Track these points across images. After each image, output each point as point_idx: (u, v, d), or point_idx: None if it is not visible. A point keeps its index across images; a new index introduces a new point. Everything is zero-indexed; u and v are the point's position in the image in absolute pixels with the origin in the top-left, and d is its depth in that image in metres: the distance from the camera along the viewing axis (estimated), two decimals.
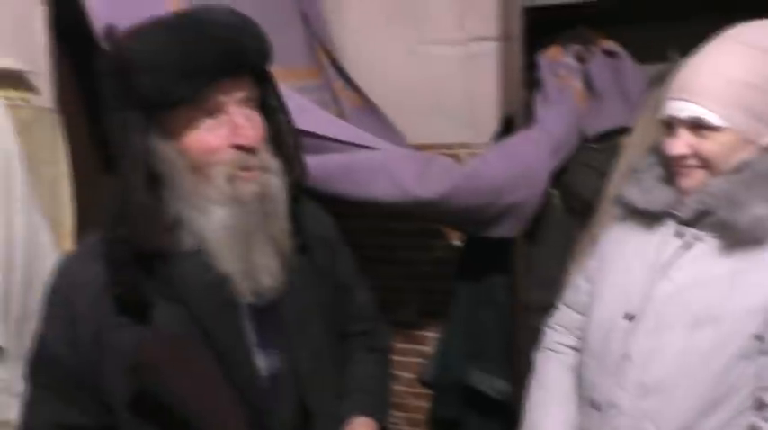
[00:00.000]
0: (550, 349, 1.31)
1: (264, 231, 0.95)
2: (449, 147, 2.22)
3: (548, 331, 1.35)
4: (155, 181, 0.91)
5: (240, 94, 0.93)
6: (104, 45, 1.33)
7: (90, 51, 1.39)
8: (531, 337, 1.42)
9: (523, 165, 1.70)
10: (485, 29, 2.16)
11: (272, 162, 0.97)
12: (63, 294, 0.96)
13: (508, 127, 1.90)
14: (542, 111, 1.78)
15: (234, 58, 0.91)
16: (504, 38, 2.11)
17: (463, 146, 2.21)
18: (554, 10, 1.74)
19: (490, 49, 2.16)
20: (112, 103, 0.92)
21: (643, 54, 1.83)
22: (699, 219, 1.05)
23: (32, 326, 1.34)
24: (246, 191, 0.93)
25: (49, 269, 1.38)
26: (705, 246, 1.05)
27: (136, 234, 0.89)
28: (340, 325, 1.17)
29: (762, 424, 0.98)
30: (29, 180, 1.35)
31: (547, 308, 1.40)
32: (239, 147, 0.92)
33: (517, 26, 1.75)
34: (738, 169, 1.00)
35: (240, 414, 0.94)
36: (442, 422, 2.15)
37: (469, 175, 1.68)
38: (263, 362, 0.99)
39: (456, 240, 2.25)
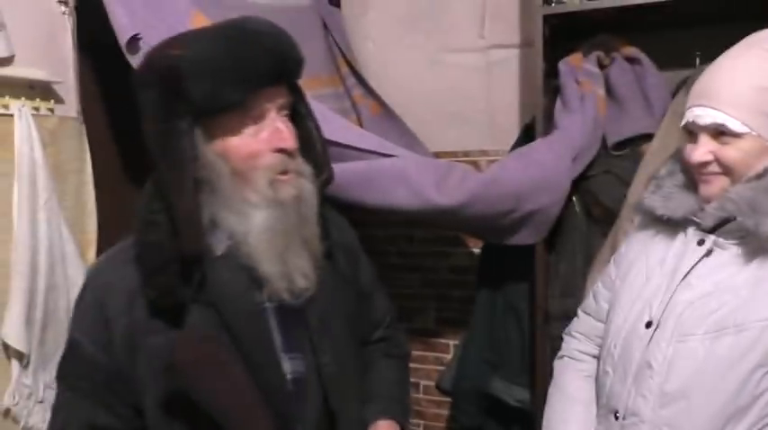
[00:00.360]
0: (570, 357, 1.30)
1: (299, 234, 0.99)
2: (469, 154, 2.23)
3: (567, 339, 1.33)
4: (195, 186, 0.94)
5: (281, 101, 0.98)
6: (130, 56, 1.36)
7: (113, 61, 1.42)
8: (552, 345, 1.40)
9: (543, 171, 1.69)
10: (505, 36, 2.16)
11: (305, 167, 1.01)
12: (96, 297, 0.98)
13: (528, 134, 1.90)
14: (562, 118, 1.77)
15: (278, 67, 0.96)
16: (525, 45, 2.11)
17: (483, 153, 2.22)
18: (575, 17, 1.73)
19: (511, 57, 2.16)
20: (156, 111, 0.94)
21: (666, 60, 1.81)
22: (720, 226, 1.04)
23: (55, 333, 1.36)
24: (286, 194, 0.97)
25: (72, 276, 1.41)
26: (726, 253, 1.03)
27: (181, 239, 0.91)
28: (361, 332, 1.19)
29: None
30: (54, 188, 1.38)
31: (568, 315, 1.39)
32: (280, 151, 0.96)
33: (538, 33, 1.74)
34: (761, 176, 0.99)
35: (267, 415, 0.96)
36: None
37: (489, 182, 1.67)
38: (288, 366, 1.01)
39: (475, 248, 2.24)
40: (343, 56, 2.16)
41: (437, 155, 2.14)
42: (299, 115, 1.04)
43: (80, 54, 1.49)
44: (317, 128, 1.07)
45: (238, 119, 0.94)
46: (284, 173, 0.97)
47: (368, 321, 1.22)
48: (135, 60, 1.40)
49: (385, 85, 2.21)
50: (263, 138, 0.95)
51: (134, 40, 1.39)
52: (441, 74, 2.25)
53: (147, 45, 1.40)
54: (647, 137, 1.70)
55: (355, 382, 1.12)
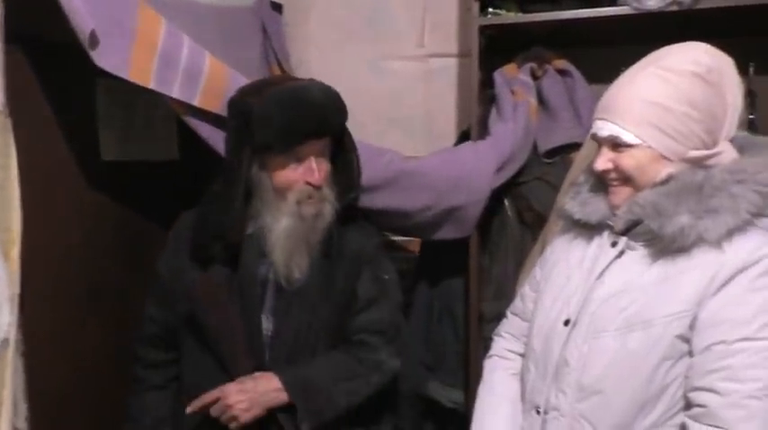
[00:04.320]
0: (498, 355, 1.34)
1: (307, 239, 1.36)
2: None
3: (496, 338, 1.38)
4: (248, 194, 1.35)
5: (320, 148, 1.35)
6: (91, 50, 1.33)
7: (41, 54, 1.36)
8: (486, 347, 1.44)
9: (461, 170, 1.72)
10: (444, 46, 2.21)
11: (330, 194, 1.37)
12: (176, 235, 1.48)
13: (464, 141, 1.94)
14: (496, 125, 1.82)
15: (322, 128, 1.33)
16: (463, 55, 2.16)
17: None
18: (510, 29, 1.79)
19: (449, 66, 2.21)
20: (233, 138, 1.36)
21: (594, 74, 1.88)
22: (630, 229, 1.10)
23: None
24: (307, 212, 1.35)
25: None
26: (636, 253, 1.10)
27: (228, 232, 1.34)
28: (343, 329, 1.42)
29: (690, 423, 1.02)
30: None
31: (501, 317, 1.43)
32: (309, 184, 1.33)
33: (475, 44, 1.79)
34: (664, 182, 1.07)
35: (248, 354, 1.35)
36: None
37: (409, 173, 1.71)
38: (267, 325, 1.37)
39: (417, 253, 2.27)
40: (279, 63, 2.16)
41: None
42: (344, 149, 1.42)
43: (7, 46, 1.44)
44: (357, 158, 1.44)
45: (285, 158, 1.33)
46: (310, 198, 1.35)
47: (353, 322, 1.43)
48: (96, 55, 1.34)
49: None
50: (299, 172, 1.33)
51: (93, 33, 1.33)
52: (381, 80, 2.28)
53: (99, 37, 1.35)
54: (577, 146, 1.77)
55: (304, 355, 1.37)
